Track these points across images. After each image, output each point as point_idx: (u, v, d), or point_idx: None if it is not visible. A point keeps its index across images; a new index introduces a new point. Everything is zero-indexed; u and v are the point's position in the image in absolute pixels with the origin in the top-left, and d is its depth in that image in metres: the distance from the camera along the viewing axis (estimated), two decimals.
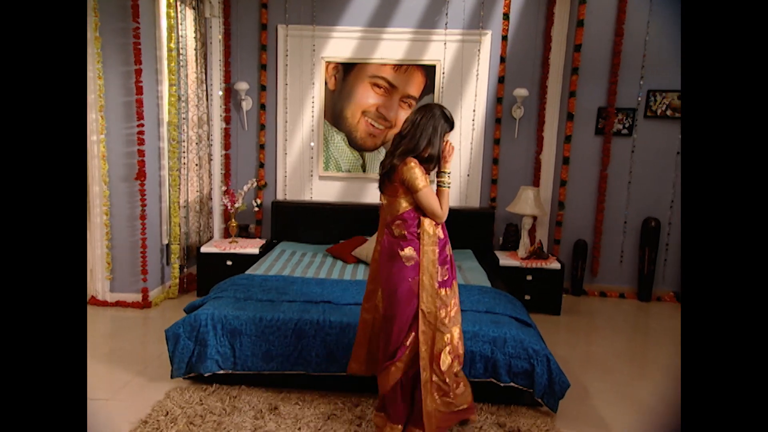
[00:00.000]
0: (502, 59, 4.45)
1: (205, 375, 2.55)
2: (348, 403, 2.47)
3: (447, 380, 2.10)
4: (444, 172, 2.12)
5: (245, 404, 2.41)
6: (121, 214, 3.68)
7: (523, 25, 4.43)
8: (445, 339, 2.10)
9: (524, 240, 4.14)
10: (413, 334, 2.08)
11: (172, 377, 2.57)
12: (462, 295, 2.90)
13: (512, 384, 2.42)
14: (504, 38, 4.43)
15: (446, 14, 4.43)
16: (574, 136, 4.47)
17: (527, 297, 3.98)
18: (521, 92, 4.33)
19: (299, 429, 2.24)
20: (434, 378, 2.09)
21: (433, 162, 2.13)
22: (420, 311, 2.07)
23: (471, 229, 4.40)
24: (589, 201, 4.55)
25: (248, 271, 3.39)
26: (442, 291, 2.10)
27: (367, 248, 3.83)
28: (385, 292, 2.15)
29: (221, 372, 2.54)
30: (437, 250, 2.10)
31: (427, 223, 2.09)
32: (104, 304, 3.77)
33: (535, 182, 4.55)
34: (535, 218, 4.48)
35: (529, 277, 3.98)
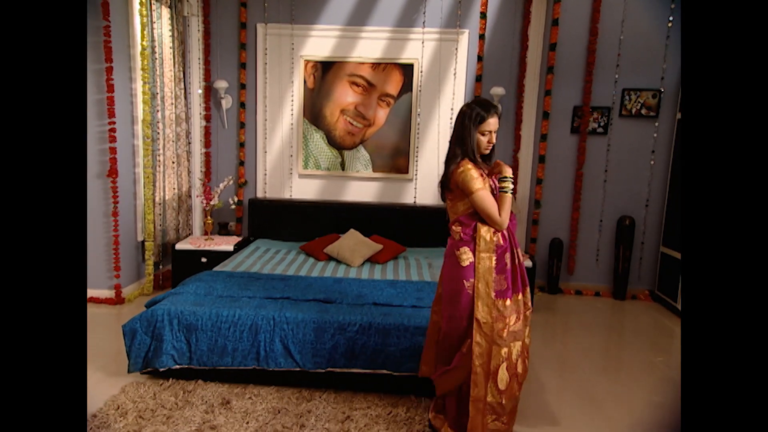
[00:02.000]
0: (480, 58, 4.46)
1: (161, 370, 2.58)
2: (301, 399, 2.50)
3: (503, 401, 2.00)
4: (506, 177, 2.05)
5: (198, 399, 2.45)
6: (95, 210, 3.72)
7: (500, 24, 4.44)
8: (503, 354, 1.99)
9: None
10: (469, 341, 2.01)
11: (129, 372, 2.60)
12: (424, 291, 2.93)
13: None
14: (481, 37, 4.44)
15: (424, 13, 4.44)
16: (550, 135, 4.48)
17: None
18: (498, 91, 4.35)
19: (247, 423, 2.27)
20: (489, 398, 1.99)
21: (486, 161, 2.10)
22: (475, 320, 1.98)
23: (444, 227, 4.40)
24: (565, 199, 4.56)
25: (217, 268, 3.42)
26: (500, 302, 2.00)
27: (339, 245, 3.86)
28: (444, 294, 2.11)
29: (177, 367, 2.58)
30: (494, 258, 2.00)
31: (484, 229, 2.00)
32: None
33: (513, 180, 4.55)
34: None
35: None
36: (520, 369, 2.06)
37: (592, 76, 4.36)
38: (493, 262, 2.00)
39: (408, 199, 4.65)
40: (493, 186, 2.08)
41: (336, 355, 2.51)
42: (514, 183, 2.10)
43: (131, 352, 2.57)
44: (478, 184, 1.99)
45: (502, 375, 1.99)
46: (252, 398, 2.47)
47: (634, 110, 4.38)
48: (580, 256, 4.61)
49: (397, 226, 4.35)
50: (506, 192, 2.03)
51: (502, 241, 2.03)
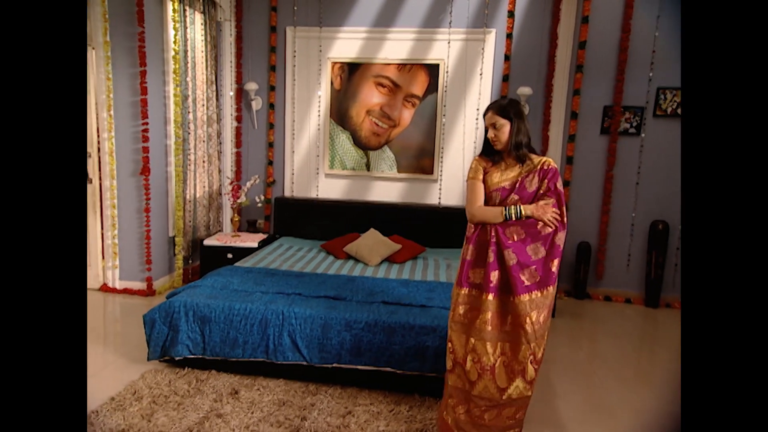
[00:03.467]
0: (507, 57, 4.40)
1: (177, 359, 2.70)
2: (306, 392, 2.55)
3: (473, 392, 2.02)
4: (521, 210, 1.99)
5: (210, 388, 2.55)
6: (128, 207, 3.94)
7: (529, 22, 4.36)
8: (470, 344, 2.00)
9: None
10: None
11: (148, 359, 2.74)
12: (435, 292, 2.92)
13: None
14: (509, 36, 4.38)
15: (450, 13, 4.43)
16: (579, 136, 4.35)
17: None
18: (525, 91, 4.27)
19: (252, 413, 2.34)
20: (453, 380, 2.06)
21: (497, 152, 2.08)
22: None
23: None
24: (594, 202, 4.42)
25: (238, 263, 3.54)
26: (455, 289, 2.07)
27: (358, 244, 3.90)
28: None
29: (192, 356, 2.69)
30: (469, 247, 2.04)
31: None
32: (114, 290, 4.04)
33: None
34: None
35: None
36: (499, 376, 1.98)
37: (624, 75, 4.20)
38: (468, 253, 2.04)
39: (432, 199, 4.64)
40: (515, 187, 2.03)
41: (342, 352, 2.54)
42: (526, 217, 1.97)
43: (150, 341, 2.71)
44: (472, 174, 2.10)
45: (470, 366, 2.00)
46: (260, 389, 2.55)
47: (669, 110, 4.19)
48: (610, 260, 4.45)
49: (419, 227, 4.35)
50: (504, 210, 2.00)
51: (489, 236, 2.00)
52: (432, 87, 4.53)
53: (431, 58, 4.50)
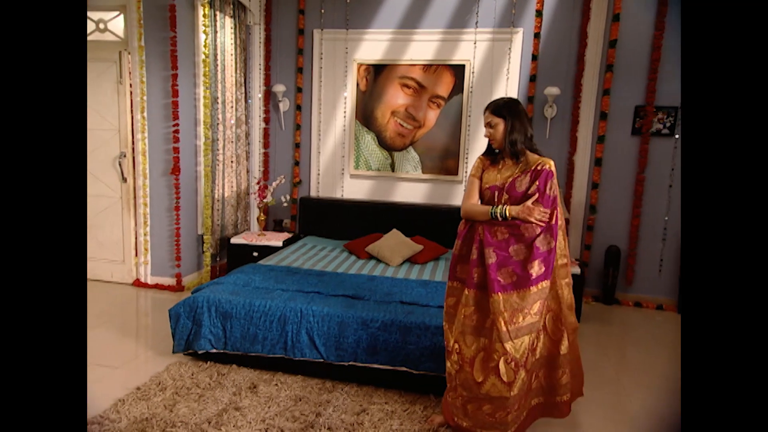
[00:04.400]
0: (534, 57, 4.34)
1: (200, 352, 2.79)
2: (323, 389, 2.58)
3: (457, 382, 2.08)
4: (506, 209, 2.06)
5: (230, 382, 2.61)
6: (160, 205, 4.08)
7: (557, 21, 4.28)
8: (452, 334, 2.11)
9: None
10: None
11: (173, 352, 2.84)
12: (440, 291, 2.92)
13: None
14: (536, 36, 4.31)
15: (477, 13, 4.40)
16: (609, 137, 4.24)
17: None
18: (553, 91, 4.20)
19: (269, 407, 2.39)
20: (448, 365, 2.14)
21: (497, 152, 2.14)
22: None
23: None
24: (624, 205, 4.29)
25: (262, 261, 3.62)
26: (447, 281, 2.21)
27: (380, 245, 3.92)
28: None
29: (214, 351, 2.77)
30: (458, 242, 2.15)
31: None
32: (145, 285, 4.20)
33: (568, 184, 4.38)
34: (564, 221, 4.32)
35: None
36: (476, 370, 2.01)
37: (657, 74, 4.07)
38: (456, 248, 2.14)
39: (457, 201, 4.61)
40: (505, 186, 2.08)
41: (358, 350, 2.57)
42: (509, 219, 2.02)
43: (175, 334, 2.80)
44: (472, 171, 2.20)
45: (455, 357, 2.07)
46: (278, 385, 2.60)
47: None
48: (641, 265, 4.32)
49: (442, 228, 4.32)
50: (491, 209, 2.06)
51: (476, 234, 2.07)
52: (457, 88, 4.51)
53: (457, 58, 4.48)
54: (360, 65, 4.66)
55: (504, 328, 1.95)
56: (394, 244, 3.91)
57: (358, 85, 4.69)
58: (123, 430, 2.19)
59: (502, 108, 2.07)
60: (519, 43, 4.34)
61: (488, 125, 2.10)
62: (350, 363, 2.60)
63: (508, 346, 1.95)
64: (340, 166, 4.84)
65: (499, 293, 1.96)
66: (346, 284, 3.06)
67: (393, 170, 4.73)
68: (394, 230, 4.13)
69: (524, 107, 2.17)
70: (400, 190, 4.75)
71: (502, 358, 1.95)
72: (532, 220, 1.96)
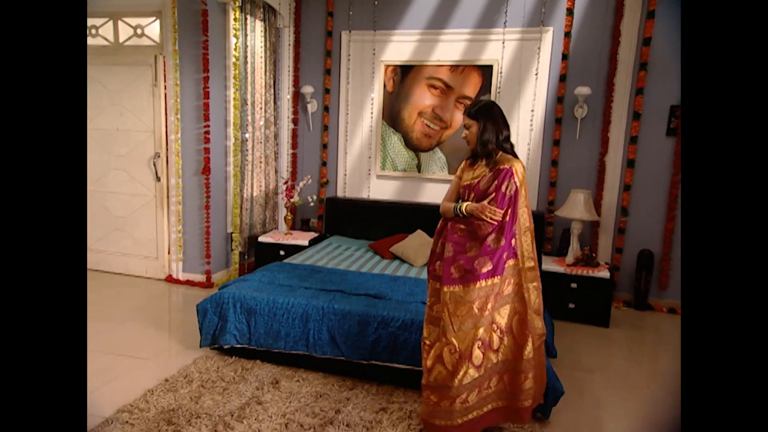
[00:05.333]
0: (564, 56, 4.26)
1: (225, 347, 2.86)
2: (344, 387, 2.61)
3: (429, 378, 2.11)
4: (463, 205, 2.18)
5: (253, 376, 2.67)
6: (191, 204, 4.21)
7: (589, 19, 4.19)
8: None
9: (573, 246, 3.92)
10: None
11: (200, 346, 2.93)
12: None
13: None
14: (567, 34, 4.24)
15: (505, 13, 4.35)
16: (643, 137, 4.12)
17: (571, 305, 3.77)
18: (583, 91, 4.11)
19: (290, 402, 2.43)
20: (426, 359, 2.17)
21: (483, 156, 2.18)
22: None
23: None
24: (658, 208, 4.16)
25: (288, 260, 3.68)
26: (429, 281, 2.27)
27: (404, 245, 3.93)
28: None
29: (239, 346, 2.84)
30: (437, 240, 2.24)
31: None
32: (177, 281, 4.33)
33: (599, 186, 4.28)
34: (595, 224, 4.22)
35: (574, 285, 3.76)
36: (429, 358, 2.10)
37: None
38: (433, 244, 2.24)
39: None
40: (473, 185, 2.17)
41: (378, 349, 2.58)
42: (469, 216, 2.13)
43: (202, 329, 2.89)
44: (457, 171, 2.32)
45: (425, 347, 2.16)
46: (299, 381, 2.64)
47: None
48: (675, 270, 4.17)
49: None
50: (455, 205, 2.17)
51: (445, 230, 2.17)
52: (485, 88, 4.47)
53: (485, 58, 4.45)
54: (387, 66, 4.68)
55: (448, 320, 2.04)
56: (419, 244, 3.90)
57: (384, 86, 4.71)
58: (151, 419, 2.27)
59: (476, 110, 2.16)
60: (549, 42, 4.27)
61: (465, 127, 2.20)
62: (370, 362, 2.61)
63: (452, 337, 2.04)
64: (367, 166, 4.87)
65: (448, 286, 2.07)
66: (369, 284, 3.08)
67: (419, 171, 4.73)
68: (419, 231, 4.13)
69: (500, 110, 2.22)
70: (426, 191, 4.74)
71: (446, 348, 2.04)
72: (484, 217, 2.05)
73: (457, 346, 2.03)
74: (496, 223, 2.05)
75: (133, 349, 3.01)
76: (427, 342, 2.14)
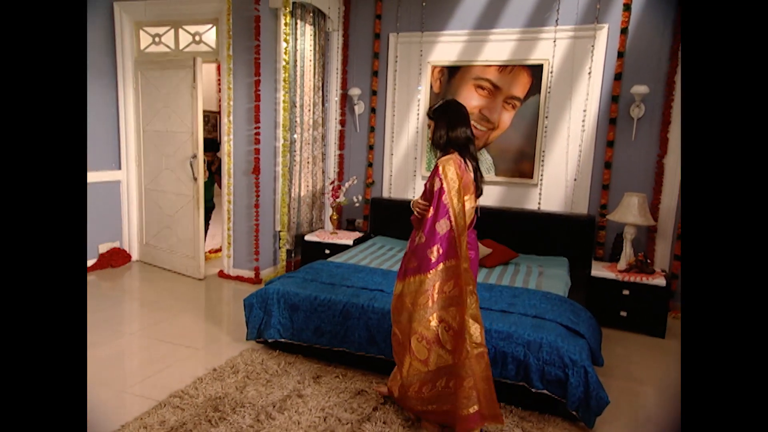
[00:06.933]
0: (620, 54, 4.09)
1: (269, 341, 2.95)
2: (381, 384, 2.62)
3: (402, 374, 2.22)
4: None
5: (295, 370, 2.74)
6: (241, 203, 4.38)
7: (647, 15, 4.01)
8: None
9: (626, 251, 3.75)
10: None
11: (246, 339, 3.03)
12: (519, 298, 2.83)
13: (545, 391, 2.31)
14: (623, 31, 4.07)
15: (557, 10, 4.24)
16: None
17: (623, 313, 3.61)
18: (640, 89, 3.94)
19: (329, 397, 2.47)
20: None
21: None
22: None
23: (571, 237, 4.13)
24: None
25: (331, 258, 3.74)
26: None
27: None
28: None
29: (282, 340, 2.92)
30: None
31: None
32: (228, 277, 4.51)
33: (656, 189, 4.08)
34: (652, 229, 4.02)
35: (626, 292, 3.60)
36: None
37: None
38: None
39: (532, 204, 4.47)
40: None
41: None
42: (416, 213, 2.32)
43: (249, 323, 2.99)
44: None
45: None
46: (339, 377, 2.68)
47: None
48: None
49: (513, 232, 4.21)
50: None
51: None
52: (534, 88, 4.37)
53: (534, 58, 4.35)
54: (434, 67, 4.67)
55: (410, 310, 2.16)
56: None
57: (431, 87, 4.70)
58: (199, 405, 2.39)
59: (432, 110, 2.28)
60: (603, 39, 4.12)
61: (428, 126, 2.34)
62: None
63: (416, 325, 2.12)
64: (412, 167, 4.87)
65: (399, 280, 2.24)
66: None
67: None
68: None
69: (458, 109, 2.28)
70: None
71: (415, 336, 2.12)
72: (414, 211, 2.23)
73: (424, 334, 2.12)
74: (428, 218, 2.11)
75: (187, 339, 3.18)
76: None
